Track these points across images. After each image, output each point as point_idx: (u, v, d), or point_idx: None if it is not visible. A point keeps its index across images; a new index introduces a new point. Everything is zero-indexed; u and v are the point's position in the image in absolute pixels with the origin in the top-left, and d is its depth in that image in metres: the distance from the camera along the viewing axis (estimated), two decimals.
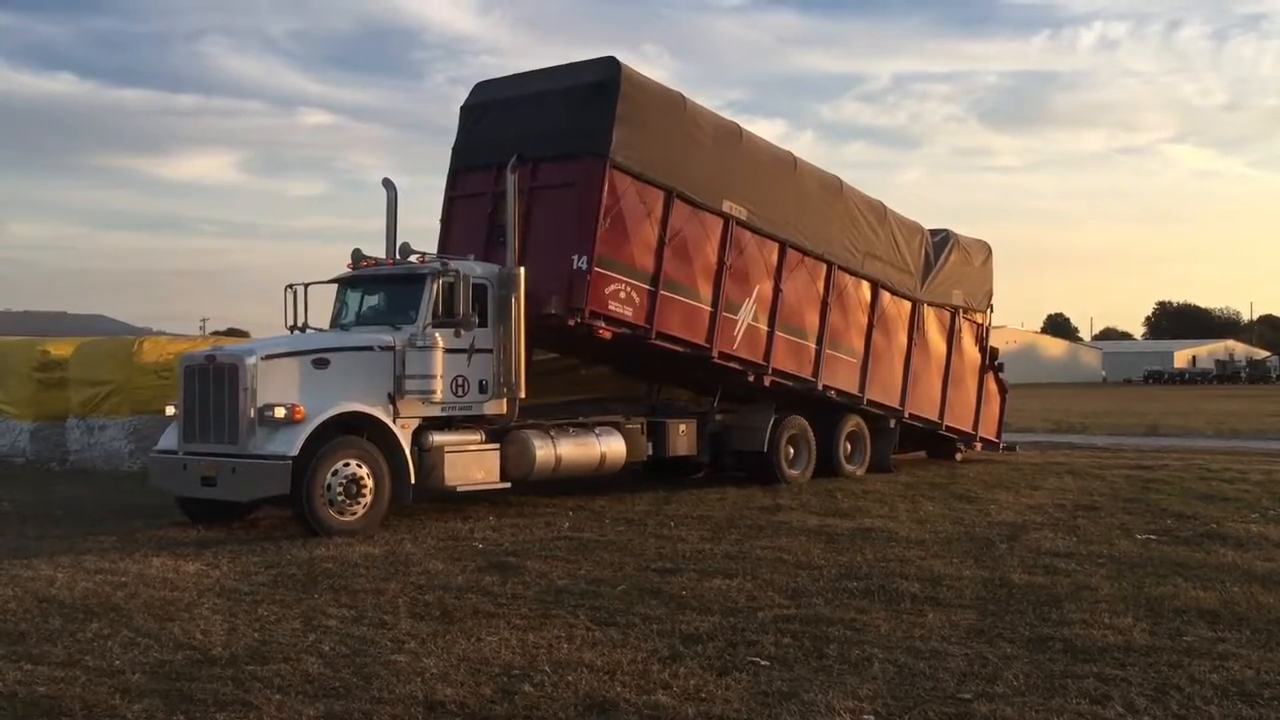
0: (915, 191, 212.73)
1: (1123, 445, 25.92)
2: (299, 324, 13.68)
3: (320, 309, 14.16)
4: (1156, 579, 9.59)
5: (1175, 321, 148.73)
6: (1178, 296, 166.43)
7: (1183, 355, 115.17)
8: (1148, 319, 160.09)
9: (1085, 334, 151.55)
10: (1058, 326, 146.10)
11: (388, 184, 15.08)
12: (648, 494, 15.29)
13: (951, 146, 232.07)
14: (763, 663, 7.03)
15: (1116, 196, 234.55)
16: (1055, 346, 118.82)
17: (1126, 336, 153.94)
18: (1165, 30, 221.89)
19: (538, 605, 8.63)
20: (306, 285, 13.77)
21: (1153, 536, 11.98)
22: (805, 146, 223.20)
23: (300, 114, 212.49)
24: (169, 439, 12.89)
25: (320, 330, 13.78)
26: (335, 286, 14.18)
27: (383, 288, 13.81)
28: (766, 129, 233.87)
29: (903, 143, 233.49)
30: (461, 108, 15.80)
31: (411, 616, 8.27)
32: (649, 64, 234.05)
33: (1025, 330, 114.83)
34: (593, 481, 15.54)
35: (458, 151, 15.59)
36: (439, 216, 15.65)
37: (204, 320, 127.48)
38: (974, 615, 8.31)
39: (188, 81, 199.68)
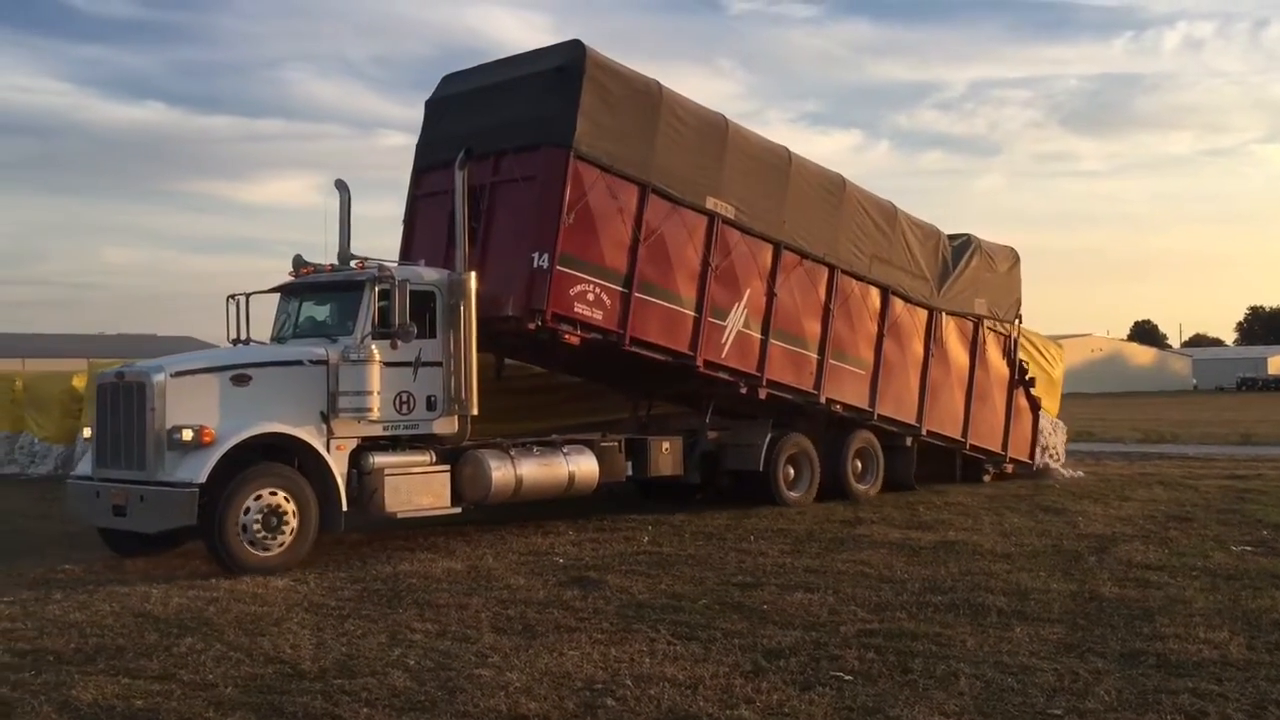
0: (994, 199, 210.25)
1: (1215, 455, 25.27)
2: (241, 337, 12.63)
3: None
4: (1253, 591, 9.35)
5: (1269, 327, 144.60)
6: (1271, 301, 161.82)
7: (1277, 361, 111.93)
8: (1239, 324, 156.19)
9: (1174, 341, 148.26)
10: (1145, 334, 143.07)
11: (340, 185, 13.76)
12: (727, 509, 15.24)
13: (1031, 153, 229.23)
14: (846, 678, 6.97)
15: (1205, 199, 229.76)
16: (1143, 354, 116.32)
17: (1217, 343, 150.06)
18: (1252, 29, 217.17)
19: (619, 620, 8.66)
20: (248, 295, 12.70)
21: (1249, 548, 11.66)
22: (881, 156, 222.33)
23: (379, 135, 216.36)
24: (85, 464, 11.85)
25: (262, 344, 12.63)
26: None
27: (321, 297, 12.69)
28: (842, 140, 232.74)
29: (981, 150, 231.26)
30: (427, 102, 14.86)
31: (494, 631, 8.34)
32: (723, 78, 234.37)
33: (1111, 338, 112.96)
34: (672, 498, 15.52)
35: (421, 148, 14.62)
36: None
37: None
38: (1063, 629, 8.16)
39: (269, 107, 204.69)
